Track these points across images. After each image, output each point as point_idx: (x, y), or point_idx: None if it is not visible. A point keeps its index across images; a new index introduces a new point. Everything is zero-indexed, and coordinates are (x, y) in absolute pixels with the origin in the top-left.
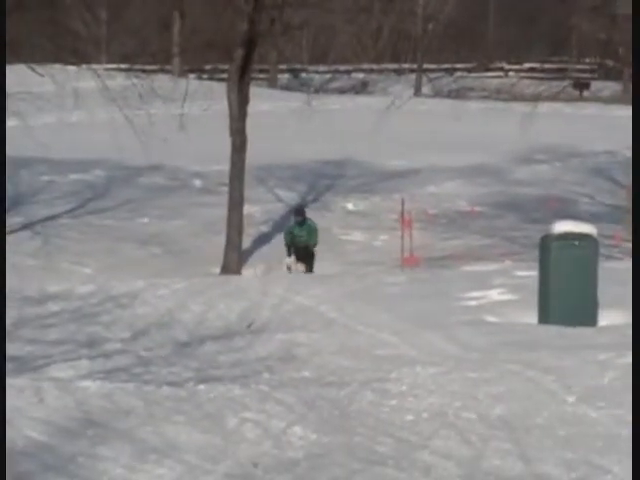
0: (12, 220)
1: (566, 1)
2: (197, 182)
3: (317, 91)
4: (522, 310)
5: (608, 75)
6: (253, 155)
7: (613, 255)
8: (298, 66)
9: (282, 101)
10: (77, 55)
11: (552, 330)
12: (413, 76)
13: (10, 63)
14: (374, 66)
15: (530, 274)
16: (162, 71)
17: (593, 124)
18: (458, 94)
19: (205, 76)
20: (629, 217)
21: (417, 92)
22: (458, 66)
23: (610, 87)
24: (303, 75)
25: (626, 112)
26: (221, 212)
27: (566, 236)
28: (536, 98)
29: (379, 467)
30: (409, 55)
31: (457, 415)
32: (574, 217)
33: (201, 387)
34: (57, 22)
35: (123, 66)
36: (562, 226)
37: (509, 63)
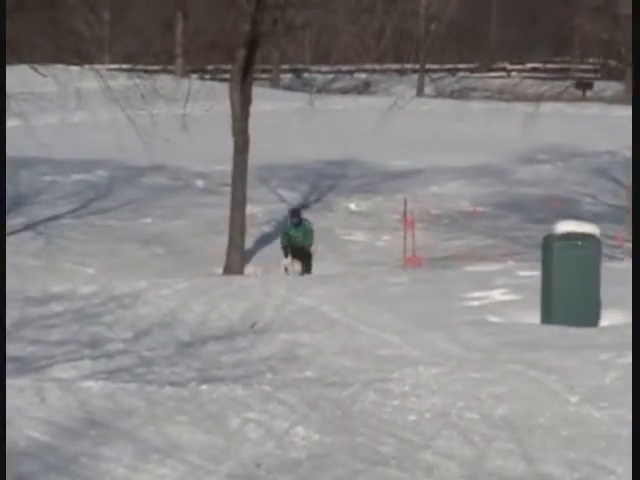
0: (15, 220)
1: (568, 1)
2: (199, 182)
3: (319, 91)
4: (525, 310)
5: (611, 75)
6: (255, 155)
7: (615, 255)
8: (300, 66)
9: (284, 101)
10: (80, 55)
11: (555, 330)
12: (415, 76)
13: (13, 64)
14: (376, 66)
15: (533, 274)
16: (165, 71)
17: (596, 124)
18: (461, 94)
19: (207, 76)
20: (629, 217)
21: (419, 92)
22: (460, 66)
23: (613, 87)
24: (305, 75)
25: (628, 112)
26: (223, 212)
27: (569, 236)
28: (539, 98)
29: (381, 467)
30: (411, 55)
31: (460, 415)
32: (577, 217)
33: (204, 387)
34: (58, 22)
35: (126, 66)
36: (565, 226)
37: (512, 63)
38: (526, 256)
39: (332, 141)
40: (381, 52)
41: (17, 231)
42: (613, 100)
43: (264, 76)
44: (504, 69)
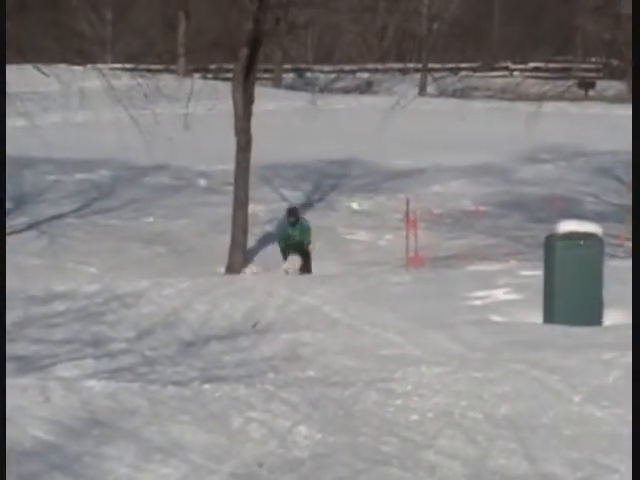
0: (18, 220)
1: (569, 1)
2: (202, 182)
3: (322, 90)
4: (527, 310)
5: (613, 75)
6: (258, 154)
7: (618, 254)
8: (303, 65)
9: (287, 100)
10: (82, 55)
11: (557, 330)
12: (418, 75)
13: (16, 63)
14: (379, 66)
15: (535, 274)
16: (167, 71)
17: (598, 123)
18: (463, 93)
19: (210, 76)
20: (629, 217)
21: (422, 91)
22: (463, 65)
23: (615, 87)
24: (308, 74)
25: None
26: (226, 211)
27: (571, 235)
28: (541, 97)
29: (384, 467)
30: (414, 54)
31: (462, 415)
32: (579, 216)
33: (206, 387)
34: (61, 23)
35: (128, 66)
36: (567, 225)
37: (514, 62)
38: (528, 255)
39: (334, 140)
40: (383, 51)
41: (20, 230)
42: (615, 99)
43: (266, 75)
44: (506, 68)
